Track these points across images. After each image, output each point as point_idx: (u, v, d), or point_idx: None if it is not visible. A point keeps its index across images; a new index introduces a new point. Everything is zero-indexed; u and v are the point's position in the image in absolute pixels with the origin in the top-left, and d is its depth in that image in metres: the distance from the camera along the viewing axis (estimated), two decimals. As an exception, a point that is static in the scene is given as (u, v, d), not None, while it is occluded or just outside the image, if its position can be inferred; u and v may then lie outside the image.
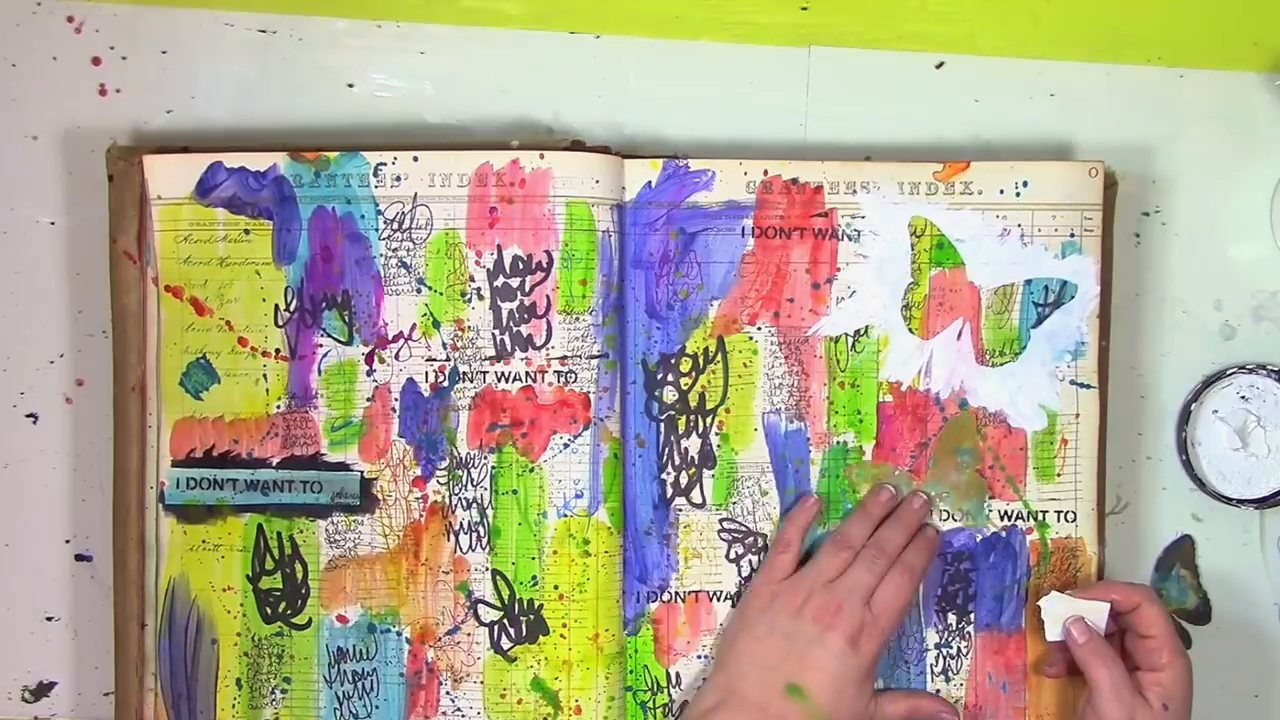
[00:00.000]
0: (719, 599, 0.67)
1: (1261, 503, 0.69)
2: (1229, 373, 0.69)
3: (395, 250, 0.65)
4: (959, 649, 0.67)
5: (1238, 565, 0.71)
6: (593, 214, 0.65)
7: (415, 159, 0.65)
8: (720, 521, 0.67)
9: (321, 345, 0.66)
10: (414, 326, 0.66)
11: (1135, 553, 0.71)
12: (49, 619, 0.71)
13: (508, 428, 0.65)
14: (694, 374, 0.67)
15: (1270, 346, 0.71)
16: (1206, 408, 0.70)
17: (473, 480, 0.66)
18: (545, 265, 0.65)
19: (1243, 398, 0.69)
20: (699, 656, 0.67)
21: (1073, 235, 0.66)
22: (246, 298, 0.66)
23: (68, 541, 0.70)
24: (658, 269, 0.67)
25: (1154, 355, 0.71)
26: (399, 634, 0.66)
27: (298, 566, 0.66)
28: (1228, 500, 0.69)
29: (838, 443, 0.67)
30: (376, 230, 0.65)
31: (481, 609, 0.66)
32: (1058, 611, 0.63)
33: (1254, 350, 0.71)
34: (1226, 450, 0.69)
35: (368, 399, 0.66)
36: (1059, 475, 0.67)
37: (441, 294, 0.65)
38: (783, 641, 0.62)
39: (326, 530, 0.66)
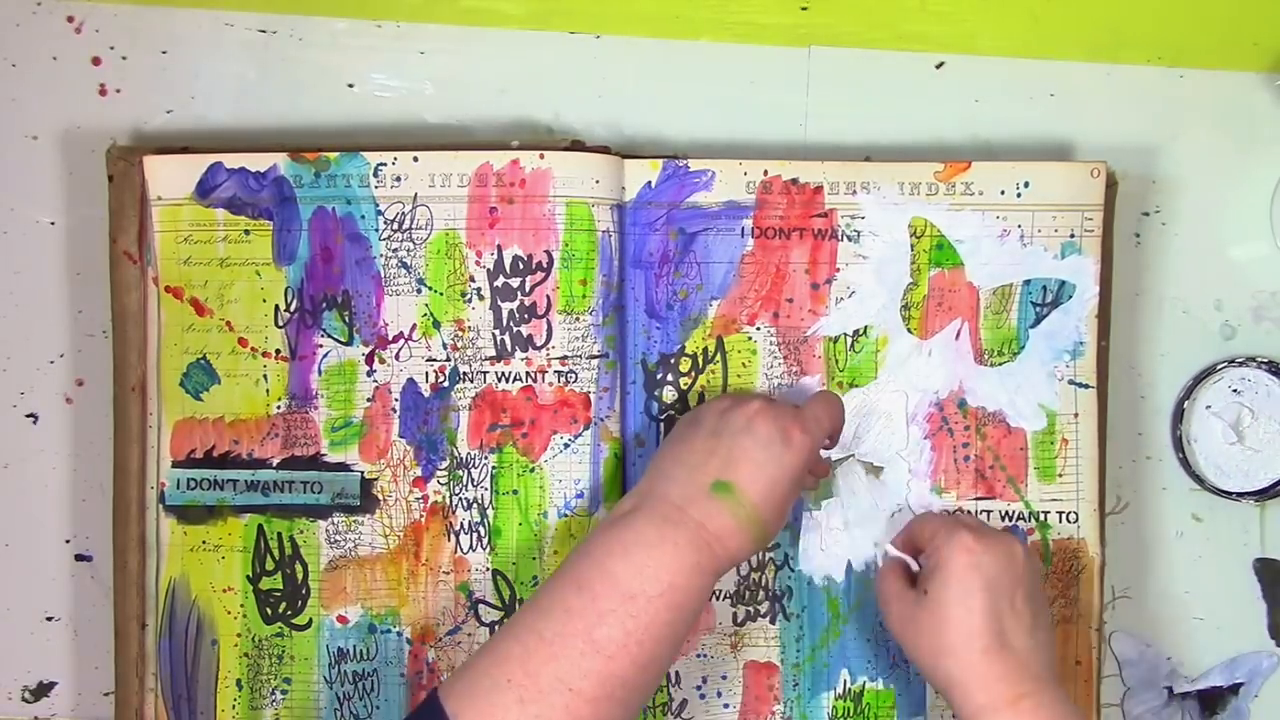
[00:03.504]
0: (718, 598, 0.67)
1: (1262, 494, 0.69)
2: (1219, 367, 0.70)
3: (395, 250, 0.65)
4: (959, 649, 0.67)
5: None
6: (593, 214, 0.65)
7: (415, 159, 0.65)
8: (720, 521, 0.67)
9: (322, 345, 0.66)
10: (414, 327, 0.66)
11: (1135, 553, 0.71)
12: (49, 619, 0.71)
13: (508, 428, 0.65)
14: (693, 374, 0.67)
15: (1270, 347, 0.71)
16: (1199, 404, 0.70)
17: (473, 480, 0.66)
18: (545, 265, 0.65)
19: (1234, 391, 0.70)
20: (699, 655, 0.67)
21: (1073, 236, 0.66)
22: (247, 298, 0.66)
23: (68, 541, 0.70)
24: (657, 269, 0.67)
25: (1154, 355, 0.71)
26: (399, 634, 0.66)
27: (298, 567, 0.66)
28: (1228, 494, 0.69)
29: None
30: (377, 230, 0.65)
31: (482, 609, 0.66)
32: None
33: (1254, 350, 0.70)
34: (1222, 445, 0.70)
35: (368, 399, 0.66)
36: (1060, 475, 0.67)
37: (442, 294, 0.65)
38: (708, 439, 0.58)
39: (327, 531, 0.66)
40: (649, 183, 0.66)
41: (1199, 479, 0.70)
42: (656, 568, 0.55)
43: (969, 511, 0.66)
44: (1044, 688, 0.57)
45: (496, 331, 0.65)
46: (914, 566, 0.62)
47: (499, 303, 0.65)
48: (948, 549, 0.58)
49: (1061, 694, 0.57)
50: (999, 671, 0.56)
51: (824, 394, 0.63)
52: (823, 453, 0.66)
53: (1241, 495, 0.69)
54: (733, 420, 0.59)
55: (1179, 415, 0.70)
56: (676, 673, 0.67)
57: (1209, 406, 0.70)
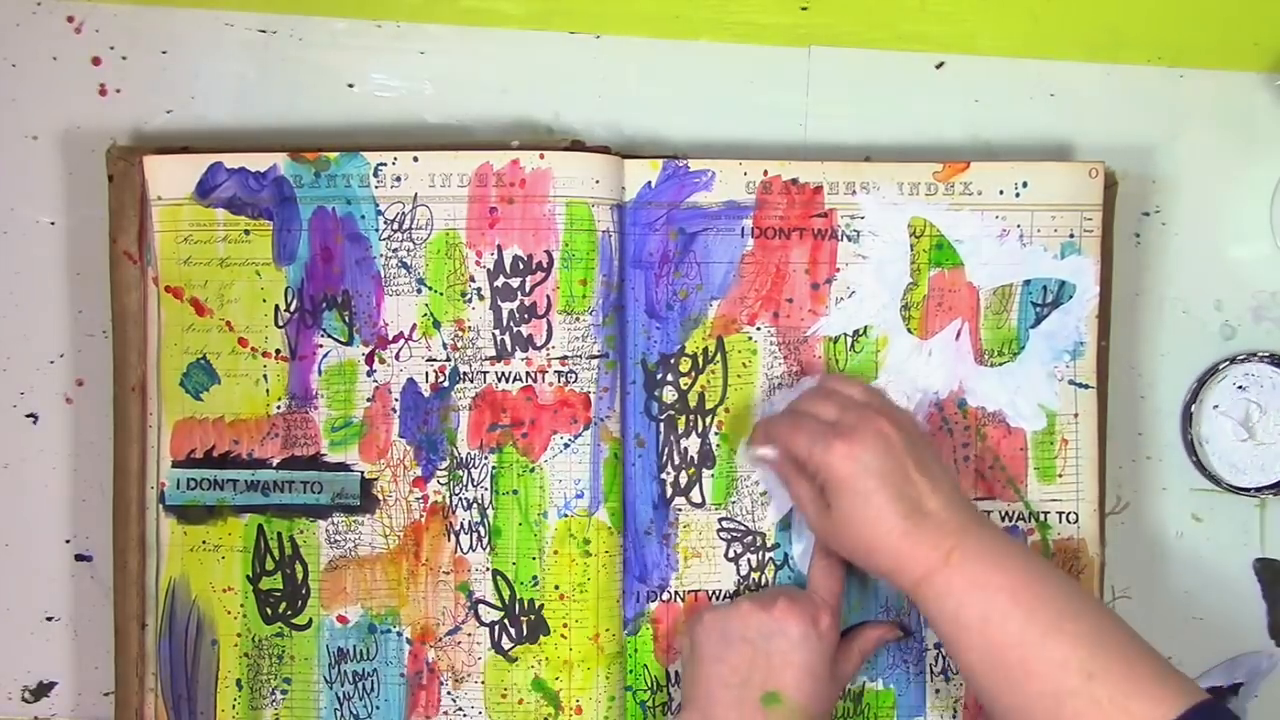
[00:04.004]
0: (718, 598, 0.67)
1: (1278, 488, 0.69)
2: (1221, 366, 0.70)
3: (395, 250, 0.65)
4: (959, 649, 0.67)
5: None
6: (593, 214, 0.65)
7: (415, 159, 0.65)
8: (719, 521, 0.67)
9: (322, 345, 0.66)
10: (414, 327, 0.66)
11: (1135, 553, 0.71)
12: (49, 619, 0.71)
13: (508, 428, 0.65)
14: (693, 374, 0.67)
15: (1270, 346, 0.71)
16: (1207, 404, 0.70)
17: (473, 480, 0.66)
18: (545, 265, 0.65)
19: (1240, 388, 0.70)
20: (699, 656, 0.67)
21: (1072, 236, 0.66)
22: (247, 298, 0.66)
23: (68, 541, 0.70)
24: (657, 269, 0.67)
25: (1154, 355, 0.71)
26: (399, 634, 0.66)
27: (298, 567, 0.66)
28: (1245, 491, 0.69)
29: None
30: (377, 230, 0.65)
31: (482, 609, 0.66)
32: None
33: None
34: (1234, 443, 0.70)
35: (368, 399, 0.66)
36: (1060, 476, 0.67)
37: (442, 294, 0.65)
38: (742, 647, 0.60)
39: (327, 531, 0.66)
40: (649, 183, 0.66)
41: (1215, 479, 0.70)
42: None
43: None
44: (968, 534, 0.57)
45: (496, 331, 0.65)
46: (773, 456, 0.63)
47: (499, 303, 0.65)
48: (826, 464, 0.58)
49: (986, 531, 0.58)
50: (923, 541, 0.57)
51: (820, 564, 0.64)
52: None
53: (1260, 490, 0.69)
54: (763, 626, 0.60)
55: (1188, 418, 0.70)
56: (676, 673, 0.67)
57: (1216, 406, 0.70)
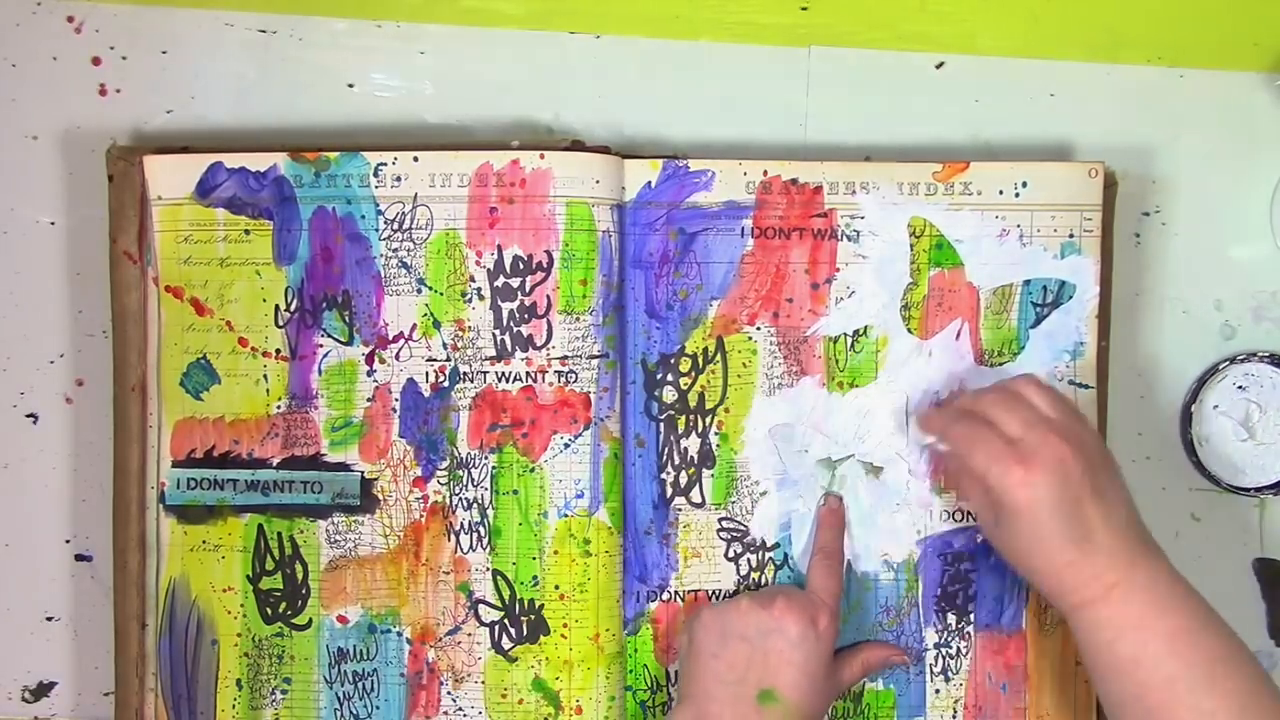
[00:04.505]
0: (718, 598, 0.67)
1: (1279, 488, 0.69)
2: (1220, 366, 0.70)
3: (395, 250, 0.65)
4: (959, 649, 0.67)
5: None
6: (593, 214, 0.65)
7: (415, 159, 0.65)
8: (719, 521, 0.67)
9: (322, 345, 0.66)
10: (414, 327, 0.66)
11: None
12: (49, 619, 0.71)
13: (508, 428, 0.65)
14: (693, 374, 0.67)
15: (1270, 347, 0.71)
16: (1206, 405, 0.70)
17: (473, 480, 0.66)
18: (545, 265, 0.65)
19: (1240, 388, 0.70)
20: (699, 656, 0.67)
21: (1072, 236, 0.66)
22: (247, 298, 0.66)
23: (68, 541, 0.70)
24: (657, 269, 0.67)
25: (1154, 355, 0.71)
26: (399, 634, 0.66)
27: (298, 567, 0.66)
28: (1245, 491, 0.69)
29: (838, 443, 0.67)
30: (377, 230, 0.65)
31: (482, 609, 0.66)
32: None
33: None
34: (1234, 443, 0.70)
35: (368, 399, 0.66)
36: (1059, 475, 0.67)
37: (442, 294, 0.65)
38: (740, 644, 0.60)
39: (327, 530, 0.66)
40: (649, 183, 0.66)
41: (1215, 480, 0.70)
42: None
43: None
44: (1135, 568, 0.56)
45: (496, 331, 0.65)
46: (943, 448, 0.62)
47: (499, 303, 0.65)
48: (1001, 487, 0.57)
49: (1153, 567, 0.57)
50: (1086, 573, 0.56)
51: (819, 564, 0.64)
52: (825, 453, 0.66)
53: (1259, 490, 0.69)
54: (761, 623, 0.60)
55: (1187, 418, 0.70)
56: (676, 673, 0.67)
57: (1216, 406, 0.70)
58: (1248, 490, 0.69)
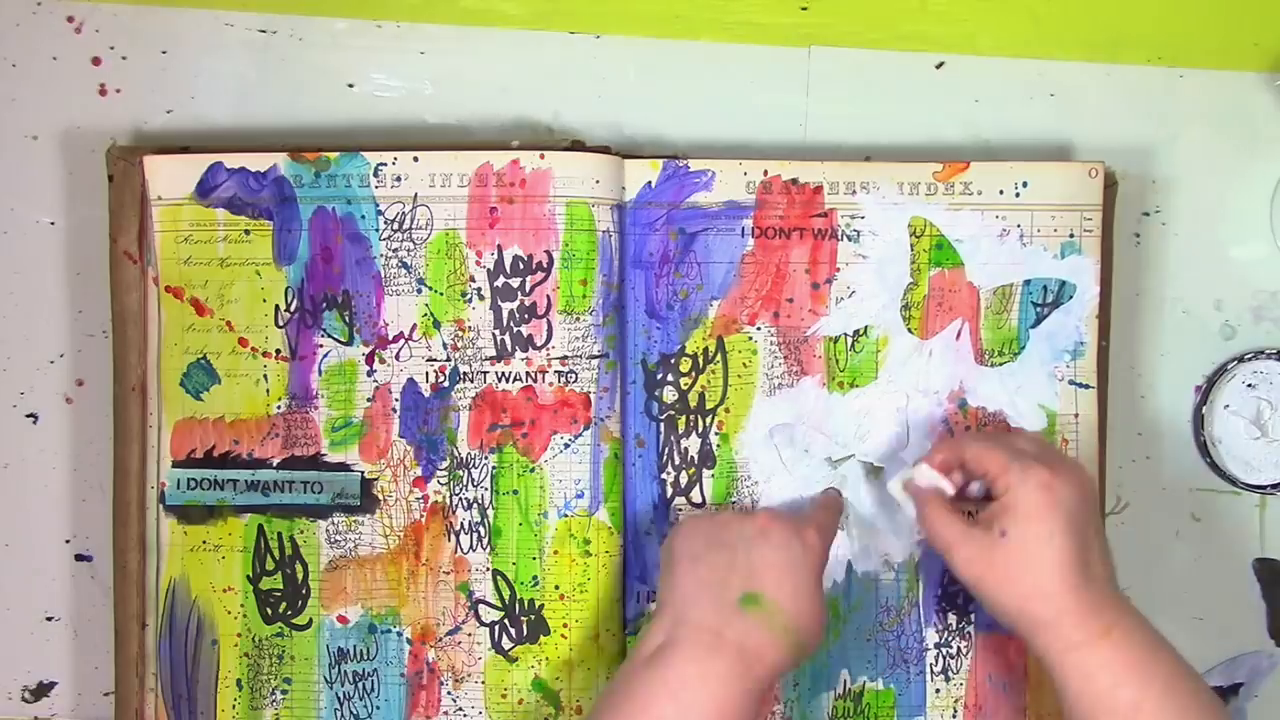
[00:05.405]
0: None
1: None
2: (1229, 366, 0.70)
3: (396, 250, 0.65)
4: (959, 649, 0.67)
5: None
6: (593, 214, 0.65)
7: (415, 159, 0.65)
8: (720, 521, 0.67)
9: (322, 345, 0.66)
10: (414, 327, 0.66)
11: (1135, 553, 0.71)
12: (49, 619, 0.71)
13: (508, 428, 0.65)
14: (694, 374, 0.67)
15: (1270, 347, 0.71)
16: (1217, 405, 0.70)
17: (473, 480, 0.66)
18: (545, 265, 0.65)
19: (1250, 386, 0.70)
20: (699, 656, 0.67)
21: (1072, 236, 0.66)
22: (247, 298, 0.66)
23: (68, 541, 0.70)
24: (658, 269, 0.67)
25: (1154, 355, 0.71)
26: (399, 634, 0.66)
27: (298, 567, 0.66)
28: (1261, 489, 0.70)
29: (838, 443, 0.67)
30: (377, 230, 0.65)
31: (482, 609, 0.66)
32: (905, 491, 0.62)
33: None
34: (1247, 441, 0.70)
35: (368, 399, 0.66)
36: (1059, 475, 0.67)
37: (442, 294, 0.65)
38: (722, 550, 0.58)
39: (327, 530, 0.66)
40: (649, 183, 0.66)
41: (1231, 480, 0.70)
42: (706, 704, 0.54)
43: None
44: (1126, 614, 0.56)
45: (496, 331, 0.65)
46: (949, 490, 0.60)
47: (499, 303, 0.65)
48: (1023, 488, 0.56)
49: (1139, 616, 0.57)
50: (1089, 606, 0.55)
51: (824, 499, 0.64)
52: (825, 453, 0.66)
53: (1276, 488, 0.70)
54: (745, 530, 0.58)
55: (1199, 420, 0.70)
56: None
57: (1227, 406, 0.70)
58: (1265, 488, 0.70)
